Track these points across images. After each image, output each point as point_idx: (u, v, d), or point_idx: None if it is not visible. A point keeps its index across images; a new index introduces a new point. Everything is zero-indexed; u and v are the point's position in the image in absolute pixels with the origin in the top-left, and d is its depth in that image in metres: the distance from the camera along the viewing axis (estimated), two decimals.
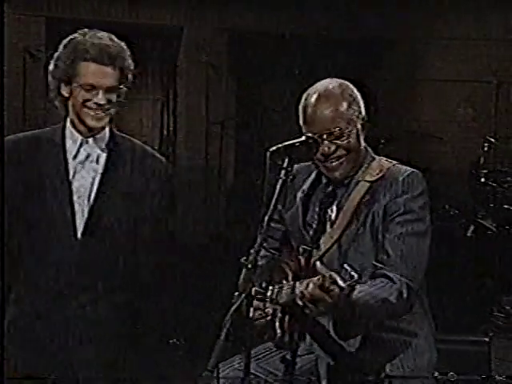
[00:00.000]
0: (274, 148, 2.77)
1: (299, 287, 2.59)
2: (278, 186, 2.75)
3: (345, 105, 2.85)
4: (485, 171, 6.31)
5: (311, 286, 2.55)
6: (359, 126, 2.88)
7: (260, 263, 3.01)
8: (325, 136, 2.82)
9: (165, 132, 7.40)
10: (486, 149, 6.45)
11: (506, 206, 5.91)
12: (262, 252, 3.05)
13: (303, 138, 2.84)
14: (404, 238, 2.82)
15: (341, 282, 2.47)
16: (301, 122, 2.90)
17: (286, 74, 7.36)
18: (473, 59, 8.00)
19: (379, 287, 2.73)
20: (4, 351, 2.74)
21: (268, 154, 2.74)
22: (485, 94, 7.93)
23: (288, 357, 2.92)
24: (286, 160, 2.78)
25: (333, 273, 2.51)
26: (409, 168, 2.91)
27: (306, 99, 2.89)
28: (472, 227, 6.02)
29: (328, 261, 2.88)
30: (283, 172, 2.76)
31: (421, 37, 8.06)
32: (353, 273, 2.51)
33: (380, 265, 2.80)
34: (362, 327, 2.78)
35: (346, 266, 2.57)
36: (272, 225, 3.01)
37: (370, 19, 7.52)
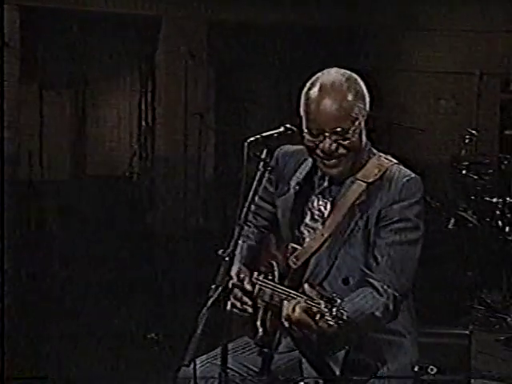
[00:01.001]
0: (252, 139, 2.71)
1: (286, 308, 2.53)
2: (257, 178, 2.71)
3: (351, 102, 2.70)
4: (466, 163, 6.30)
5: (298, 310, 2.48)
6: (363, 124, 2.75)
7: (248, 242, 2.97)
8: (327, 134, 2.70)
9: (143, 123, 7.34)
10: (467, 141, 6.43)
11: (487, 199, 5.89)
12: (252, 229, 3.01)
13: (282, 128, 2.76)
14: (396, 247, 2.73)
15: (330, 320, 2.42)
16: (302, 113, 2.75)
17: (266, 64, 7.33)
18: (455, 51, 7.99)
19: (365, 302, 2.65)
20: (4, 351, 2.69)
21: (246, 144, 2.69)
22: (467, 85, 7.92)
23: (266, 350, 2.87)
24: (265, 151, 2.72)
25: (322, 304, 2.44)
26: (408, 172, 2.79)
27: (309, 89, 2.73)
28: (453, 220, 6.00)
29: (316, 260, 2.81)
30: (262, 163, 2.71)
31: (403, 27, 8.04)
32: (342, 310, 2.45)
33: (368, 271, 2.73)
34: (347, 341, 2.72)
35: (334, 296, 2.48)
36: (262, 205, 2.98)
37: (352, 8, 7.50)
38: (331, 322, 2.40)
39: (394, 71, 8.14)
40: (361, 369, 2.82)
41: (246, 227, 2.75)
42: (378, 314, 2.66)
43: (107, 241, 6.11)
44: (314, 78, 2.77)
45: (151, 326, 4.91)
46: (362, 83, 2.77)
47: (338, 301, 2.42)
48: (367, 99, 2.77)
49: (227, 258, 2.59)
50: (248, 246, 2.95)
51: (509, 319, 5.43)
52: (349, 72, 2.78)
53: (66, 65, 6.86)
